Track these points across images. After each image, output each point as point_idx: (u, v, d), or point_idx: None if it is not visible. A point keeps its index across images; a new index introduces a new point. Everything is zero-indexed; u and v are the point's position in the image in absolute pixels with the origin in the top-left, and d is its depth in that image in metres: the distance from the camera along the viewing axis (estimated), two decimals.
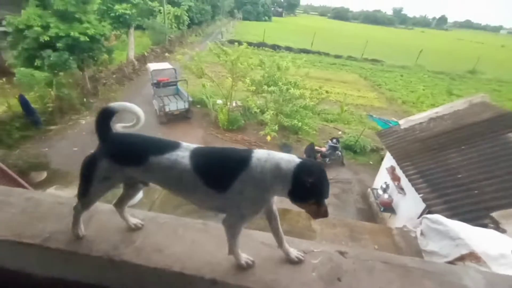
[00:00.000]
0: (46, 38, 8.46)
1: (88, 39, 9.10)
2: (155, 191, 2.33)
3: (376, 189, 6.51)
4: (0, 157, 3.31)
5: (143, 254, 1.09)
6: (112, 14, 13.21)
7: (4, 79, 8.02)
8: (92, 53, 9.83)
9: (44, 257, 1.12)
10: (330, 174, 7.94)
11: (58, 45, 8.65)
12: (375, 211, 6.24)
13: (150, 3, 16.25)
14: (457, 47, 43.22)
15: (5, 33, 9.24)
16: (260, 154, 0.87)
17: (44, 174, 3.85)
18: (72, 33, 8.73)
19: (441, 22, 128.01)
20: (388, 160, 6.15)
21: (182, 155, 0.89)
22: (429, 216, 1.78)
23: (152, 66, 10.29)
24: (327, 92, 12.82)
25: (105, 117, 0.92)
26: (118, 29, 14.60)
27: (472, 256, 1.39)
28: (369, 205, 6.69)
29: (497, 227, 3.15)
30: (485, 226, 3.25)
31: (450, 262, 1.48)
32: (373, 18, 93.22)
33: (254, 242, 1.20)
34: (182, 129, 9.67)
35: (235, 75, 9.70)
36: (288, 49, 24.18)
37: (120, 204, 1.13)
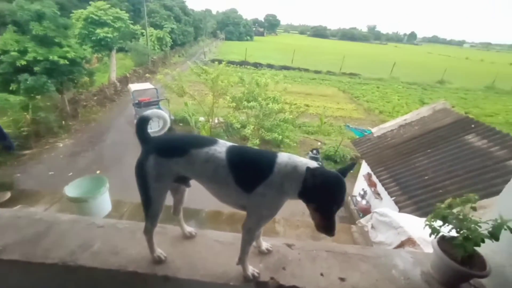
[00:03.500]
0: (23, 63, 8.42)
1: (67, 62, 9.13)
2: (125, 204, 2.34)
3: (355, 196, 6.70)
4: None
5: (99, 258, 1.16)
6: (94, 38, 13.35)
7: None
8: (72, 76, 9.82)
9: None
10: None
11: (36, 69, 8.61)
12: (356, 218, 6.36)
13: (132, 26, 16.57)
14: (427, 60, 46.23)
15: None
16: (282, 159, 0.94)
17: (7, 194, 3.73)
18: (51, 57, 8.74)
19: (412, 38, 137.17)
20: (364, 167, 6.40)
21: (220, 150, 0.97)
22: (378, 210, 1.92)
23: (133, 86, 10.36)
24: (307, 105, 13.27)
25: (142, 124, 1.05)
26: (100, 52, 14.70)
27: (410, 241, 1.53)
28: (350, 212, 6.82)
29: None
30: None
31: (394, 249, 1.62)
32: (350, 35, 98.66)
33: (208, 239, 1.29)
34: None
35: (216, 92, 9.94)
36: (270, 66, 25.02)
37: (176, 211, 1.24)
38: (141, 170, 1.00)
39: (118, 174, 7.25)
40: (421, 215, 4.01)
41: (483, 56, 65.50)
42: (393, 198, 4.62)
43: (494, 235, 0.94)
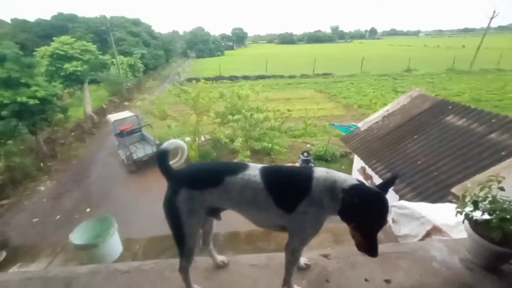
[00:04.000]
0: None
1: (38, 102, 8.73)
2: (136, 241, 2.19)
3: None
4: None
5: None
6: (62, 73, 12.93)
7: None
8: (44, 115, 9.39)
9: None
10: None
11: (3, 113, 8.16)
12: None
13: (101, 57, 16.23)
14: (391, 52, 48.94)
15: None
16: (319, 174, 0.91)
17: (3, 254, 3.39)
18: (19, 99, 8.33)
19: (373, 33, 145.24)
20: (357, 162, 6.53)
21: (254, 174, 0.93)
22: (395, 203, 1.94)
23: (112, 117, 10.05)
24: (289, 110, 13.47)
25: (163, 157, 0.98)
26: (71, 86, 14.25)
27: (436, 230, 1.56)
28: None
29: (458, 200, 3.48)
30: (449, 201, 3.58)
31: (421, 240, 1.63)
32: (315, 38, 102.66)
33: (243, 266, 1.24)
34: (154, 174, 9.32)
35: (198, 111, 9.88)
36: (245, 77, 25.35)
37: (206, 242, 1.18)
38: (171, 207, 0.95)
39: (110, 209, 6.91)
40: (422, 200, 4.12)
41: (438, 43, 70.45)
42: (392, 187, 4.72)
43: None
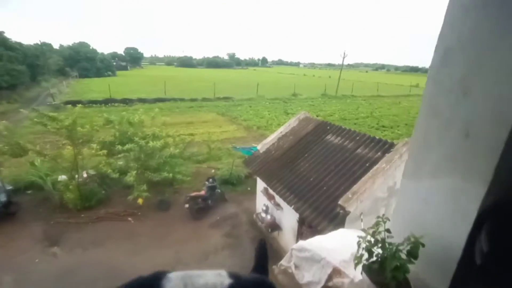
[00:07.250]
0: None
1: None
2: None
3: (259, 213, 6.88)
4: None
5: None
6: None
7: None
8: None
9: None
10: (217, 214, 7.80)
11: None
12: (266, 235, 6.52)
13: None
14: (279, 79, 56.81)
15: None
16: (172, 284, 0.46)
17: None
18: None
19: (264, 62, 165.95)
20: (260, 183, 6.70)
21: None
22: (294, 246, 1.86)
23: None
24: (191, 134, 12.96)
25: None
26: None
27: (336, 272, 1.53)
28: (259, 230, 6.94)
29: (345, 211, 3.97)
30: (338, 213, 4.04)
31: (325, 286, 1.56)
32: (214, 63, 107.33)
33: None
34: (5, 232, 6.72)
35: (76, 141, 7.98)
36: (142, 100, 23.14)
37: None
38: None
39: None
40: (318, 215, 4.49)
41: (313, 73, 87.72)
42: (292, 206, 4.98)
43: (413, 255, 0.94)
